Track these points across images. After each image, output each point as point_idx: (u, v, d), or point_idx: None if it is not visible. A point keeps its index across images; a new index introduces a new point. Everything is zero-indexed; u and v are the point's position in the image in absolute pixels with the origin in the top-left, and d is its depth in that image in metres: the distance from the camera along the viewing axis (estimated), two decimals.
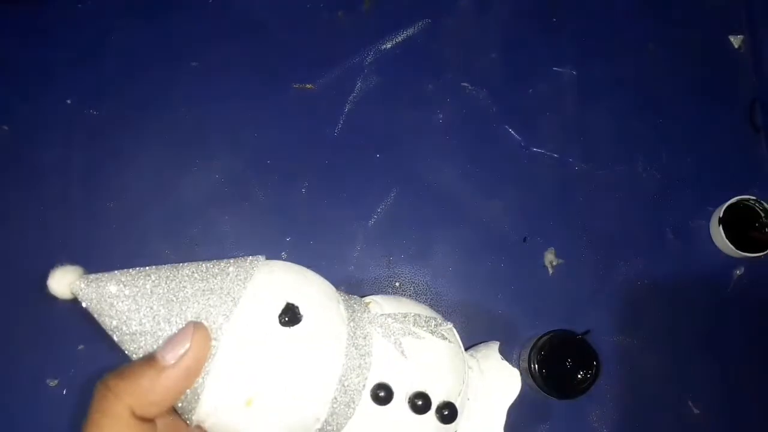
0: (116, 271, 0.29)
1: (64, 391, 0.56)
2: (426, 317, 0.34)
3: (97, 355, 0.57)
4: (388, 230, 0.60)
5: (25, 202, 0.59)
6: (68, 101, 0.62)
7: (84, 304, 0.29)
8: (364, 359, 0.30)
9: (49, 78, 0.62)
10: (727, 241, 0.57)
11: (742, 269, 0.60)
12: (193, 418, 0.28)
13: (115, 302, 0.28)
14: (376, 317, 0.33)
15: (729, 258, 0.60)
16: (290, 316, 0.29)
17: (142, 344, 0.28)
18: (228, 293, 0.29)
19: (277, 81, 0.63)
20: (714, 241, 0.60)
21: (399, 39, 0.64)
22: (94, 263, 0.59)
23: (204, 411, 0.28)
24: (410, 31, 0.64)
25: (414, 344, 0.32)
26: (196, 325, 0.27)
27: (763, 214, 0.58)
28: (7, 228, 0.59)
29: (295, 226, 0.60)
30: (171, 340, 0.27)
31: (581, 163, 0.62)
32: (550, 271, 0.60)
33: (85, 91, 0.62)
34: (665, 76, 0.64)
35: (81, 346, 0.57)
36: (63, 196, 0.60)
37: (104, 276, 0.29)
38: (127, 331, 0.28)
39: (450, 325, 0.35)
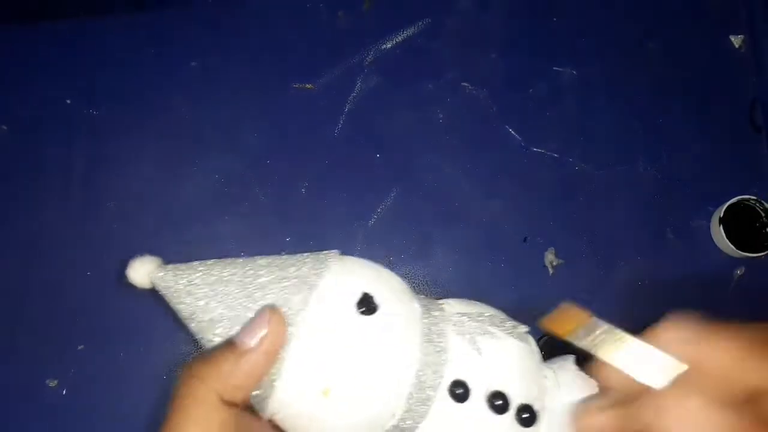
0: (194, 262, 0.30)
1: (64, 391, 0.56)
2: (501, 318, 0.34)
3: (96, 356, 0.57)
4: (388, 230, 0.60)
5: (24, 201, 0.59)
6: (68, 101, 0.62)
7: (162, 293, 0.29)
8: (440, 356, 0.30)
9: (48, 78, 0.62)
10: (727, 241, 0.57)
11: (743, 269, 0.60)
12: (268, 408, 0.28)
13: (193, 290, 0.29)
14: (451, 315, 0.32)
15: (729, 258, 0.60)
16: (367, 305, 0.29)
17: (218, 331, 0.28)
18: (305, 282, 0.29)
19: (277, 81, 0.63)
20: (714, 240, 0.60)
21: (399, 39, 0.64)
22: (93, 263, 0.59)
23: (279, 399, 0.28)
24: (410, 31, 0.64)
25: (490, 344, 0.32)
26: (271, 310, 0.28)
27: (763, 214, 0.58)
28: (5, 228, 0.59)
29: (295, 226, 0.60)
30: (249, 325, 0.27)
31: (581, 162, 0.62)
32: (551, 271, 0.59)
33: (84, 91, 0.62)
34: (665, 76, 0.64)
35: (81, 347, 0.57)
36: (63, 195, 0.59)
37: (182, 266, 0.29)
38: (205, 318, 0.29)
39: (527, 329, 0.35)
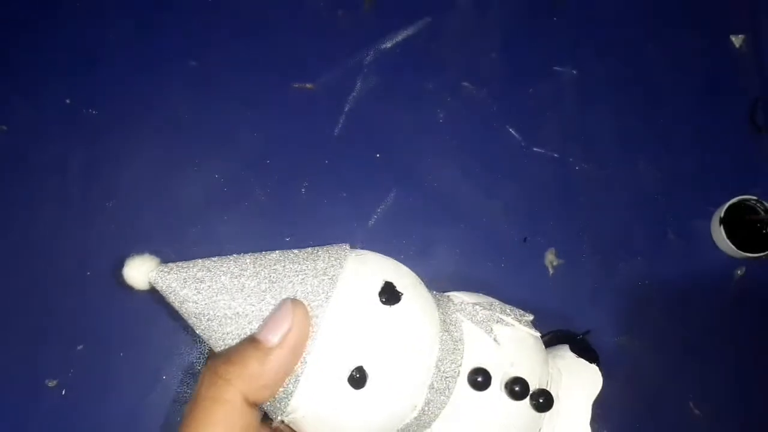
0: (198, 259, 0.28)
1: (63, 392, 0.56)
2: (510, 307, 0.33)
3: (96, 356, 0.56)
4: (388, 230, 0.60)
5: (23, 201, 0.59)
6: (67, 101, 0.62)
7: (163, 292, 0.28)
8: (457, 345, 0.29)
9: (48, 78, 0.62)
10: (728, 241, 0.57)
11: (744, 269, 0.60)
12: (288, 407, 0.27)
13: (200, 286, 0.27)
14: (463, 305, 0.32)
15: (730, 258, 0.60)
16: (390, 294, 0.28)
17: (231, 329, 0.27)
18: (324, 273, 0.27)
19: (277, 81, 0.62)
20: (715, 241, 0.60)
21: (399, 39, 0.64)
22: (92, 263, 0.59)
23: (302, 396, 0.26)
24: (410, 31, 0.64)
25: (504, 332, 0.31)
26: (294, 302, 0.26)
27: (764, 214, 0.58)
28: (3, 227, 0.59)
29: (295, 226, 0.60)
30: (271, 320, 0.26)
31: (582, 162, 0.62)
32: (551, 271, 0.59)
33: (83, 91, 0.62)
34: (666, 76, 0.64)
35: (80, 347, 0.57)
36: (62, 195, 0.59)
37: (185, 263, 0.28)
38: (215, 315, 0.27)
39: (532, 317, 0.34)
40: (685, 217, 0.61)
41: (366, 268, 0.29)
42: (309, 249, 0.29)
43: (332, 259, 0.28)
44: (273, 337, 0.25)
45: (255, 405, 0.25)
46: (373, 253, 0.31)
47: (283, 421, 0.28)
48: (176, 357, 0.57)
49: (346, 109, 0.62)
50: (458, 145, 0.62)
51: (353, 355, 0.26)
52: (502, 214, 0.60)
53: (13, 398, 0.56)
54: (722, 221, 0.57)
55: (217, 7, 0.64)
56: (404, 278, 0.30)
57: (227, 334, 0.27)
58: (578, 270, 0.59)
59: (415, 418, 0.29)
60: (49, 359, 0.56)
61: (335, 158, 0.61)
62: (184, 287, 0.27)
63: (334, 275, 0.28)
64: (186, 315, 0.28)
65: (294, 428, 0.29)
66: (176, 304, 0.28)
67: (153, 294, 0.61)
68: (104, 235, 0.59)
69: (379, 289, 0.28)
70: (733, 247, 0.57)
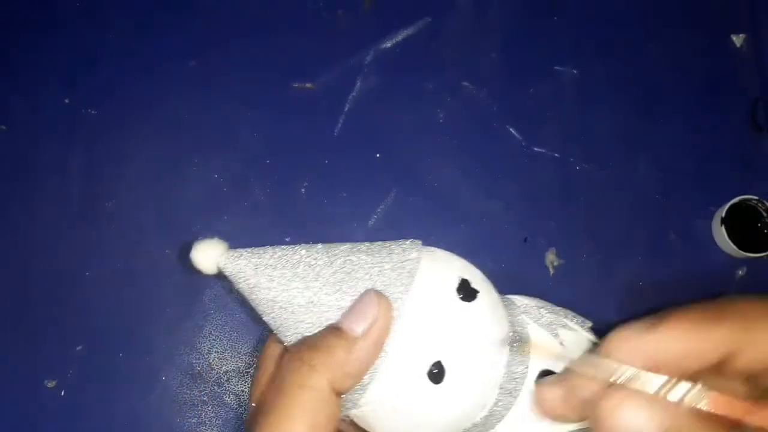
0: (267, 247, 0.28)
1: (63, 393, 0.56)
2: (571, 312, 0.33)
3: (95, 356, 0.56)
4: (388, 230, 0.60)
5: (22, 201, 0.59)
6: (66, 101, 0.61)
7: (233, 278, 0.28)
8: (524, 346, 0.30)
9: (47, 78, 0.62)
10: (729, 242, 0.57)
11: (745, 269, 0.60)
12: (361, 400, 0.27)
13: (274, 274, 0.27)
14: (527, 308, 0.32)
15: (731, 258, 0.60)
16: (467, 291, 0.28)
17: (305, 317, 0.27)
18: (403, 266, 0.28)
19: (276, 81, 0.62)
20: (716, 241, 0.60)
21: (399, 38, 0.64)
22: (91, 263, 0.59)
23: (378, 390, 0.26)
24: (410, 31, 0.64)
25: (569, 336, 0.32)
26: (377, 295, 0.26)
27: (765, 214, 0.58)
28: (2, 227, 0.59)
29: (295, 226, 0.60)
30: (355, 311, 0.26)
31: (582, 162, 0.62)
32: (551, 271, 0.59)
33: (83, 91, 0.62)
34: (667, 75, 0.64)
35: (79, 347, 0.56)
36: (61, 195, 0.59)
37: (255, 250, 0.28)
38: (288, 303, 0.27)
39: (591, 323, 0.34)
40: (685, 217, 0.61)
41: (439, 265, 0.29)
42: (379, 242, 0.29)
43: (407, 252, 0.28)
44: (357, 328, 0.25)
45: (339, 394, 0.25)
46: (442, 250, 0.31)
47: (347, 416, 0.28)
48: (176, 358, 0.57)
49: (346, 109, 0.62)
50: (458, 145, 0.62)
51: (433, 349, 0.26)
52: (502, 214, 0.60)
53: (11, 399, 0.55)
54: (723, 221, 0.57)
55: (217, 7, 0.64)
56: (477, 276, 0.30)
57: (300, 322, 0.27)
58: (579, 270, 0.59)
59: (483, 417, 0.29)
60: (48, 360, 0.56)
61: (335, 158, 0.61)
62: (257, 274, 0.27)
63: (412, 270, 0.28)
64: (255, 302, 0.28)
65: (359, 423, 0.29)
66: (246, 291, 0.27)
67: (154, 294, 0.60)
68: (103, 236, 0.59)
69: (456, 285, 0.28)
70: (735, 247, 0.57)
